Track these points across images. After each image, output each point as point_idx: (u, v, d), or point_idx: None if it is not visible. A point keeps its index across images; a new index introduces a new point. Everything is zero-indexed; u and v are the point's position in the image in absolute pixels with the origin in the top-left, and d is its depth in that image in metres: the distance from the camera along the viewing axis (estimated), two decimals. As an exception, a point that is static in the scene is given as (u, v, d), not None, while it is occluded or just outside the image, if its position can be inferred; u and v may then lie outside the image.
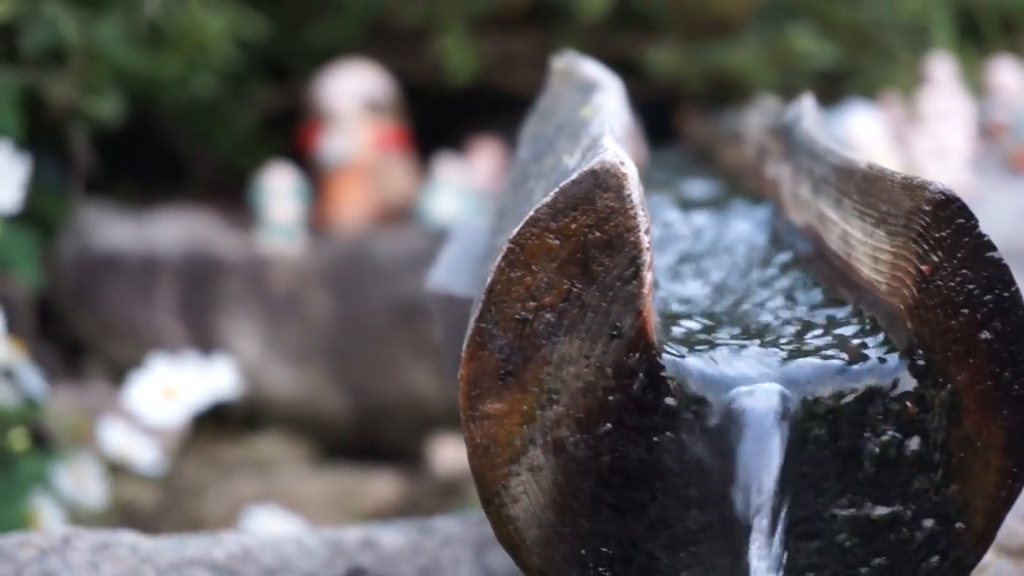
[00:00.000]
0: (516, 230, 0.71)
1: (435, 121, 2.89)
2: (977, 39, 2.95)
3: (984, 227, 0.72)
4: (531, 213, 0.71)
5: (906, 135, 2.27)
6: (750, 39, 2.46)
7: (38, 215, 2.20)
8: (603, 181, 0.71)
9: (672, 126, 2.41)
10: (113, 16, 2.05)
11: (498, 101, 2.69)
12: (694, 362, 0.74)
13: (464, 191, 2.22)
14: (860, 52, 2.59)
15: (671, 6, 2.45)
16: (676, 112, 2.42)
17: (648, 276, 0.72)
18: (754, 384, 0.73)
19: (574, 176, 0.71)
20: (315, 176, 2.30)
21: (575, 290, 0.71)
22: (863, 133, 2.12)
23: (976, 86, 2.58)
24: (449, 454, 2.12)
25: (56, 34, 1.86)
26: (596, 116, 0.90)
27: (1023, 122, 2.22)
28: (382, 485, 2.13)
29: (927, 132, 2.16)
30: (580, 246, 0.71)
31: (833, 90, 2.61)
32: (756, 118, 1.26)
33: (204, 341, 2.08)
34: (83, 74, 1.82)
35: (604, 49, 2.47)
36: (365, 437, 2.17)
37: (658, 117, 2.56)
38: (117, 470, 1.55)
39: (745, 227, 1.05)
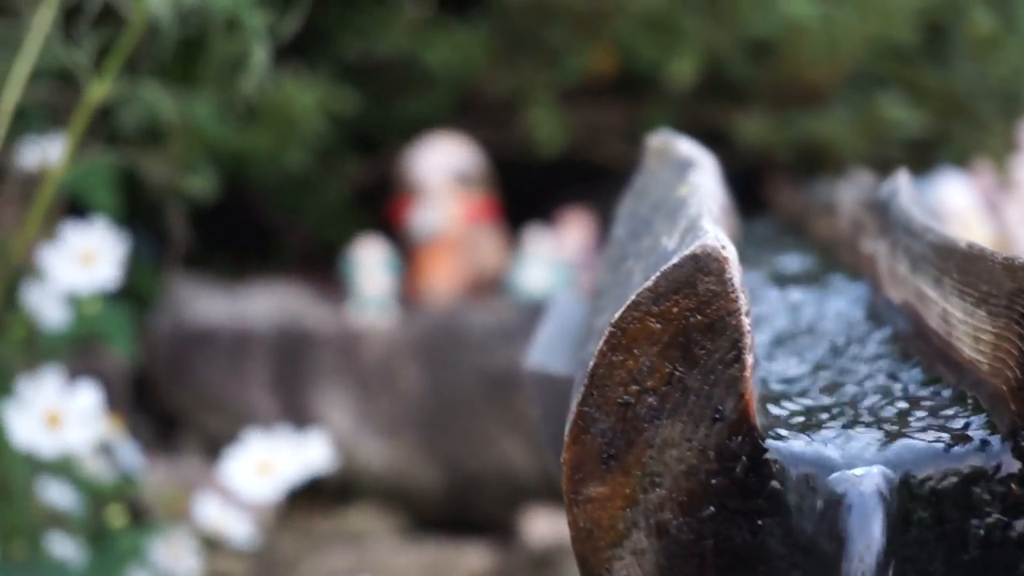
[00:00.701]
0: (618, 314, 0.71)
1: (524, 192, 2.90)
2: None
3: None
4: (632, 297, 0.71)
5: (998, 203, 2.26)
6: (839, 108, 2.47)
7: (134, 290, 2.23)
8: (704, 265, 0.71)
9: (760, 195, 2.40)
10: (207, 93, 2.09)
11: (587, 171, 2.71)
12: (796, 444, 0.73)
13: (554, 263, 2.23)
14: (951, 120, 2.58)
15: (760, 75, 2.45)
16: (765, 182, 2.42)
17: (749, 359, 0.72)
18: (857, 466, 0.72)
19: (675, 260, 0.71)
20: (406, 248, 2.32)
21: (677, 374, 0.71)
22: (955, 201, 2.11)
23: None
24: (541, 526, 2.12)
25: (152, 113, 1.89)
26: (693, 196, 0.90)
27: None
28: (474, 557, 2.13)
29: (1019, 199, 2.15)
30: (682, 330, 0.71)
31: (924, 158, 2.60)
32: (849, 191, 1.26)
33: (297, 414, 2.10)
34: (178, 152, 1.85)
35: (693, 118, 2.48)
36: (457, 509, 2.18)
37: (746, 186, 2.56)
38: (212, 544, 1.56)
39: (842, 304, 1.05)
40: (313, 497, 2.11)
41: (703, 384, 0.71)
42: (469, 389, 2.10)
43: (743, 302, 0.72)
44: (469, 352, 2.11)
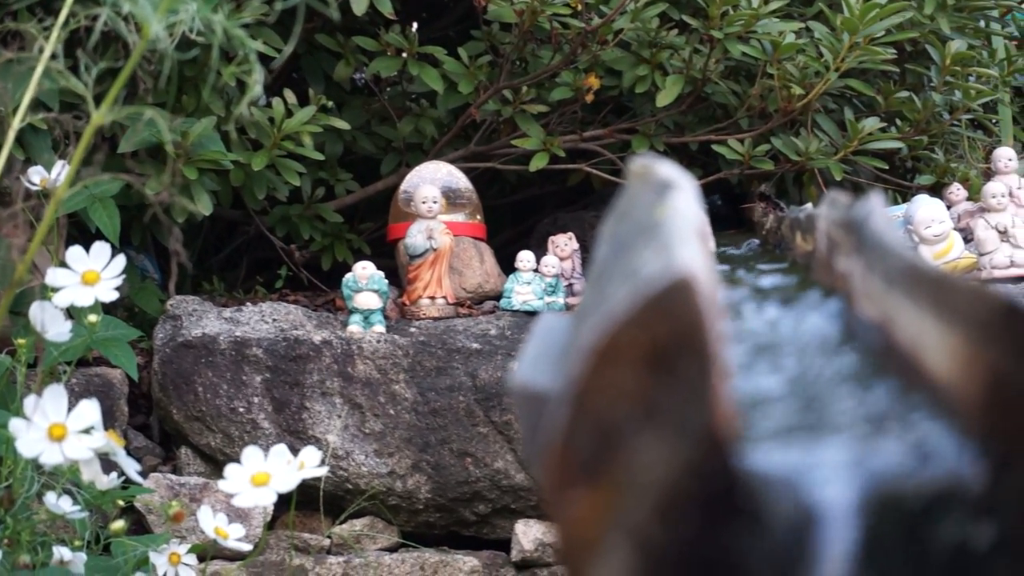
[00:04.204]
0: (597, 333, 0.73)
1: (512, 209, 2.93)
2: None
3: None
4: (611, 315, 0.73)
5: (971, 221, 2.28)
6: (818, 128, 2.48)
7: (135, 308, 2.26)
8: (679, 287, 0.72)
9: (742, 215, 2.42)
10: (206, 117, 2.11)
11: (575, 190, 2.73)
12: (770, 458, 0.75)
13: (541, 278, 2.25)
14: (927, 144, 2.60)
15: (742, 97, 2.47)
16: (746, 202, 2.44)
17: (723, 375, 0.73)
18: (829, 480, 0.74)
19: (651, 280, 0.73)
20: (399, 266, 2.34)
21: (654, 391, 0.73)
22: (930, 220, 2.13)
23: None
24: (533, 535, 2.14)
25: (152, 135, 1.91)
26: (671, 218, 0.92)
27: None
28: (466, 566, 2.14)
29: (991, 218, 2.17)
30: (658, 349, 0.73)
31: (900, 179, 2.62)
32: (826, 211, 1.28)
33: (292, 426, 2.12)
34: (177, 172, 1.87)
35: (677, 139, 2.50)
36: (450, 519, 2.19)
37: (728, 206, 2.59)
38: (210, 552, 1.58)
39: (817, 320, 1.06)
40: (307, 508, 2.13)
41: (679, 401, 0.73)
42: (460, 401, 2.12)
43: (716, 321, 0.74)
44: (460, 365, 2.13)
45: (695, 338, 0.73)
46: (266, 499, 1.51)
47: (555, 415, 0.75)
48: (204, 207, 2.12)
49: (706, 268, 0.76)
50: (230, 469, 1.54)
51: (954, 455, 0.75)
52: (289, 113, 2.29)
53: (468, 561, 2.15)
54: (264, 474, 1.52)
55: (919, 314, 0.85)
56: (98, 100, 1.35)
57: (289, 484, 1.54)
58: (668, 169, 1.13)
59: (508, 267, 2.32)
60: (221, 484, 1.52)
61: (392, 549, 2.18)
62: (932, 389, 0.82)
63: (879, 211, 1.09)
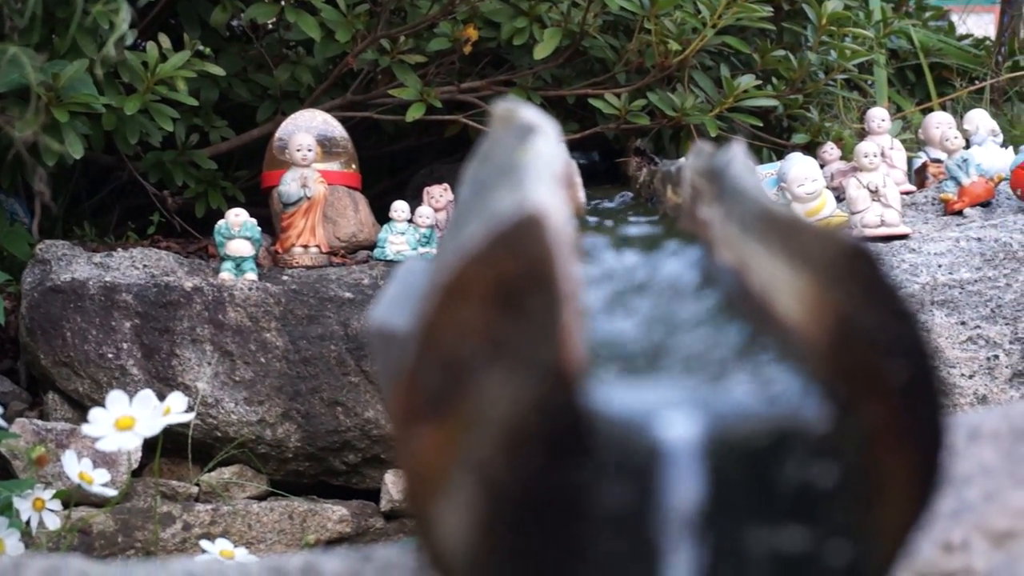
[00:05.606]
0: (448, 270, 0.73)
1: (389, 159, 2.92)
2: (914, 91, 3.00)
3: (895, 275, 0.74)
4: (462, 254, 0.73)
5: (844, 180, 2.31)
6: (695, 85, 2.50)
7: (3, 251, 2.23)
8: (529, 223, 0.73)
9: (618, 170, 2.44)
10: (75, 58, 2.08)
11: (452, 140, 2.73)
12: (616, 395, 0.75)
13: (416, 229, 2.25)
14: (801, 101, 2.63)
15: (620, 52, 2.48)
16: (623, 156, 2.45)
17: (572, 314, 0.74)
18: (675, 417, 0.74)
19: (502, 219, 0.73)
20: (272, 214, 2.33)
21: (502, 328, 0.73)
22: (803, 178, 2.15)
23: (912, 134, 2.64)
24: (402, 485, 2.14)
25: (20, 75, 1.88)
26: (529, 159, 0.93)
27: (952, 169, 2.26)
28: (335, 515, 2.14)
29: (863, 177, 2.20)
30: (508, 286, 0.73)
31: (775, 137, 2.65)
32: (691, 161, 1.29)
33: (161, 373, 2.10)
34: (46, 113, 1.84)
35: (554, 92, 2.51)
36: (320, 468, 2.19)
37: (605, 161, 2.60)
38: (75, 497, 1.57)
39: (676, 266, 1.07)
40: (176, 455, 2.12)
41: (526, 338, 0.73)
42: (332, 350, 2.11)
43: (568, 260, 0.74)
44: (332, 315, 2.12)
45: (543, 275, 0.73)
46: (130, 443, 1.50)
47: (404, 351, 0.75)
48: (75, 150, 2.09)
49: (559, 208, 0.76)
50: (95, 413, 1.53)
51: (799, 396, 0.76)
52: (163, 57, 2.27)
53: (337, 510, 2.15)
54: (129, 418, 1.51)
55: (771, 259, 0.87)
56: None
57: (154, 429, 1.53)
58: (531, 113, 1.13)
59: (383, 217, 2.32)
60: (85, 428, 1.51)
61: (261, 498, 2.17)
62: (781, 332, 0.84)
63: (739, 160, 1.10)
